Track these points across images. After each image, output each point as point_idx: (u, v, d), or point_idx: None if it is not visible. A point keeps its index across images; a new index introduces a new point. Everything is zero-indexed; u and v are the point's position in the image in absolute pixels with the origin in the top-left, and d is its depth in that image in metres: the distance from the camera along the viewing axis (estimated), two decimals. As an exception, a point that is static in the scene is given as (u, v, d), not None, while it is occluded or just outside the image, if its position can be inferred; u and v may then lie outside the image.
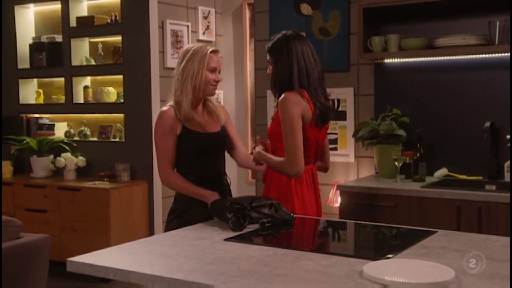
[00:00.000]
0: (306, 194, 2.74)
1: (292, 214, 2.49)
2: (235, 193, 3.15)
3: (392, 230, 2.44)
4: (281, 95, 2.68)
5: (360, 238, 2.44)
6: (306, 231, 2.50)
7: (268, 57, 2.77)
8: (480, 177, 3.76)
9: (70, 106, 5.44)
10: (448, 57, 3.83)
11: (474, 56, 3.74)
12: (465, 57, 3.77)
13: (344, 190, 3.66)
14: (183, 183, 2.74)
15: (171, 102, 2.80)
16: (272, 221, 2.38)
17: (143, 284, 1.77)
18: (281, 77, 2.70)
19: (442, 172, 3.86)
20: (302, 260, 1.89)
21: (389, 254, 1.93)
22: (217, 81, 2.81)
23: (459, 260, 1.83)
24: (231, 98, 5.78)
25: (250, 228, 2.33)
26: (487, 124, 3.60)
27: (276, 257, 1.91)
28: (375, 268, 1.69)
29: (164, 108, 2.80)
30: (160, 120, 2.77)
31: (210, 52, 2.77)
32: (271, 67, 2.75)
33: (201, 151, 2.77)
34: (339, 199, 3.73)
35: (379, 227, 2.50)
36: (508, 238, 2.13)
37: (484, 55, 3.71)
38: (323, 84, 2.76)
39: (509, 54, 3.60)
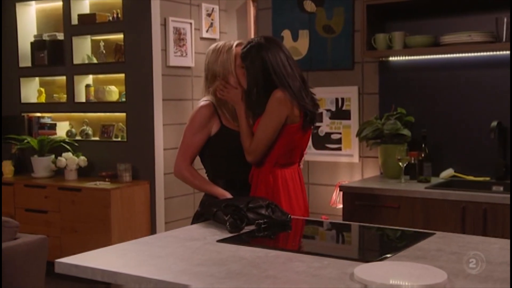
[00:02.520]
0: (293, 194, 2.75)
1: (289, 215, 2.49)
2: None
3: (390, 232, 2.44)
4: (259, 100, 2.70)
5: (356, 239, 2.44)
6: (302, 233, 2.51)
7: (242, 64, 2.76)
8: (488, 178, 3.75)
9: (71, 105, 5.47)
10: (454, 55, 3.82)
11: (481, 53, 3.73)
12: (472, 54, 3.76)
13: (347, 191, 3.67)
14: (197, 181, 2.78)
15: (209, 97, 2.81)
16: (269, 222, 2.39)
17: (130, 285, 1.78)
18: (258, 90, 2.70)
19: (448, 172, 3.85)
20: (294, 262, 1.89)
21: (383, 256, 1.93)
22: None
23: (454, 263, 1.83)
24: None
25: (247, 229, 2.33)
26: (494, 123, 3.59)
27: (267, 259, 1.92)
28: (366, 271, 1.70)
29: (204, 103, 2.79)
30: (197, 114, 2.77)
31: (236, 46, 2.80)
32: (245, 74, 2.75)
33: (236, 151, 2.76)
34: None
35: (378, 229, 2.50)
36: (507, 241, 2.13)
37: (491, 53, 3.70)
38: (307, 87, 2.77)
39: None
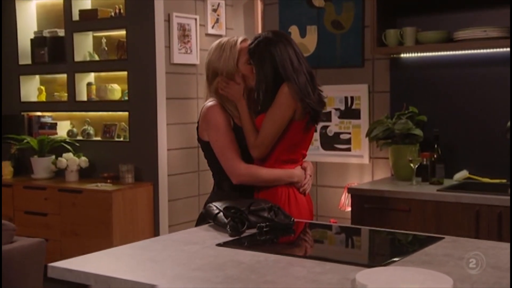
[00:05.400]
0: (298, 196, 2.75)
1: (292, 219, 2.49)
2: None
3: (397, 236, 2.43)
4: (267, 96, 2.71)
5: (361, 244, 2.44)
6: (305, 236, 2.51)
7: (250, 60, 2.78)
8: (504, 180, 3.73)
9: (73, 104, 5.50)
10: (468, 51, 3.80)
11: (496, 49, 3.71)
12: (487, 51, 3.75)
13: (355, 194, 3.66)
14: (267, 170, 2.73)
15: (213, 98, 2.81)
16: (271, 225, 2.39)
17: (124, 290, 1.79)
18: (266, 87, 2.72)
19: (462, 174, 3.83)
20: (294, 266, 1.89)
21: (388, 261, 1.93)
22: None
23: (461, 268, 1.82)
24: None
25: (248, 232, 2.34)
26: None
27: (267, 264, 1.92)
28: (368, 276, 1.69)
29: (211, 103, 2.79)
30: (214, 115, 2.75)
31: (241, 42, 2.80)
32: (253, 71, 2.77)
33: (244, 150, 2.77)
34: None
35: (385, 233, 2.49)
36: (518, 246, 2.11)
37: (506, 49, 3.68)
38: (314, 82, 2.78)
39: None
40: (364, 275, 1.70)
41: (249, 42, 2.85)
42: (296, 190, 2.78)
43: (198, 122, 2.87)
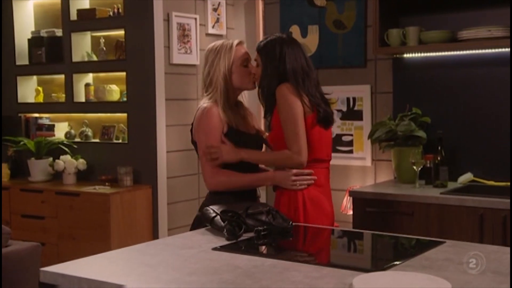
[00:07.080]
0: (322, 200, 2.79)
1: (291, 222, 2.50)
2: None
3: (397, 240, 2.44)
4: (269, 103, 2.74)
5: (360, 248, 2.44)
6: (304, 241, 2.51)
7: (256, 57, 2.81)
8: (509, 183, 3.72)
9: (70, 105, 5.51)
10: (473, 51, 3.80)
11: (501, 49, 3.71)
12: (491, 50, 3.75)
13: (357, 197, 3.66)
14: (235, 177, 2.78)
15: (208, 102, 2.84)
16: (269, 229, 2.39)
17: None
18: (270, 83, 2.75)
19: (466, 177, 3.83)
20: (291, 271, 1.90)
21: (387, 265, 1.93)
22: (254, 73, 2.86)
23: (461, 273, 1.83)
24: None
25: (245, 236, 2.34)
26: (516, 124, 3.57)
27: (263, 268, 1.92)
28: (365, 281, 1.70)
29: (207, 104, 2.82)
30: (206, 117, 2.79)
31: (237, 45, 2.85)
32: (258, 69, 2.80)
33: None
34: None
35: (385, 237, 2.50)
36: (521, 250, 2.11)
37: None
38: (320, 89, 2.82)
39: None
40: (361, 280, 1.71)
41: (245, 45, 2.89)
42: (309, 193, 2.78)
43: (192, 124, 2.90)
